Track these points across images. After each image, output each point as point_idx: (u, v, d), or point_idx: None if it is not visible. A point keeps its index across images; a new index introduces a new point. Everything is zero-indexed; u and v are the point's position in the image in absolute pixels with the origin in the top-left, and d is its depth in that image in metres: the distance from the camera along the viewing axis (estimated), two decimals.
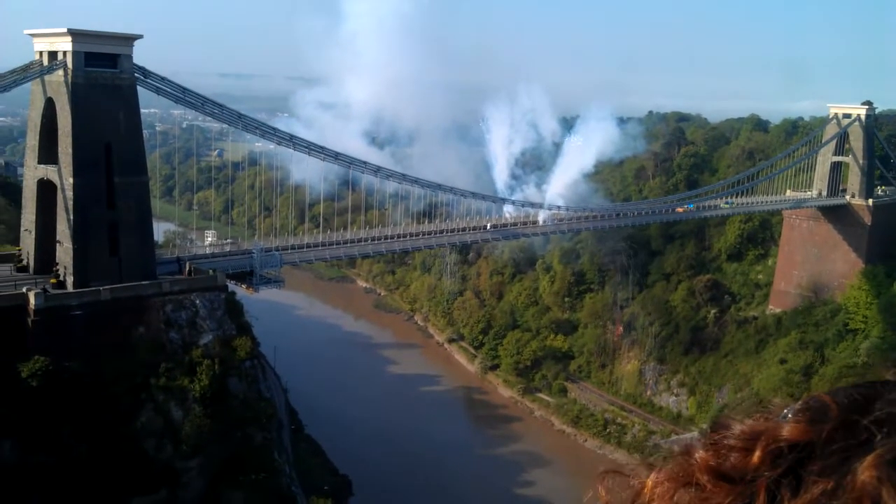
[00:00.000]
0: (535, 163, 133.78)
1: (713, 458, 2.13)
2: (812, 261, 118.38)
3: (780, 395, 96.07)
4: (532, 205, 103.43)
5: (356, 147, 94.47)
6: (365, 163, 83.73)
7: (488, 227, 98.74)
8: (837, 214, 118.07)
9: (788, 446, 2.02)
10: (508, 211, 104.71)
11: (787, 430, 2.06)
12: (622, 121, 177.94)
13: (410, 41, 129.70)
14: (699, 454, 2.14)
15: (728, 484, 2.04)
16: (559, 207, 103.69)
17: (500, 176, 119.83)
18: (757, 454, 2.04)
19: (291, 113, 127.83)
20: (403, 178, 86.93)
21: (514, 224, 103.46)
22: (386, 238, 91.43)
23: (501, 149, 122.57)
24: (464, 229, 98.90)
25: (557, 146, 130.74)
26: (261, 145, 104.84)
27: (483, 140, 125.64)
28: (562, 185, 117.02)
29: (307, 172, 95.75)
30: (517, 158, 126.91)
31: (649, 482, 2.20)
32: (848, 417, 2.02)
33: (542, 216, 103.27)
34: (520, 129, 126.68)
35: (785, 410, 2.15)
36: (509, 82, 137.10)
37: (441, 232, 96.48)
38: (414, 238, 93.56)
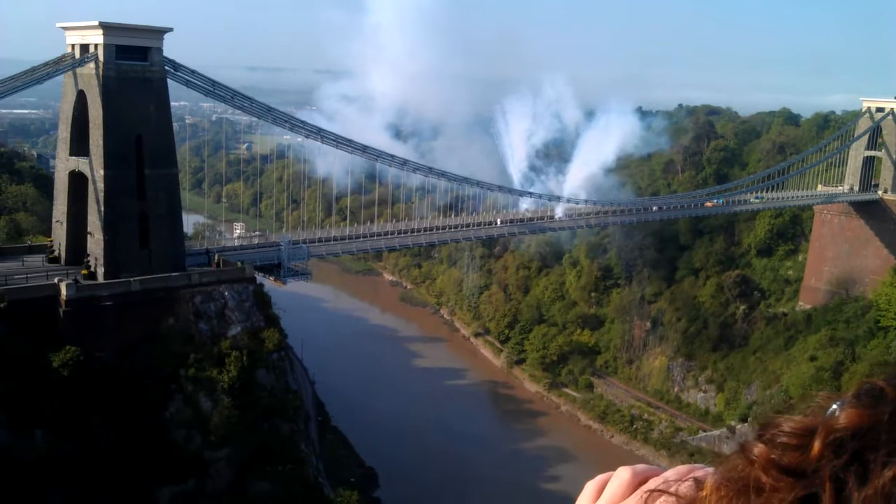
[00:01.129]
0: (559, 154, 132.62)
1: (772, 452, 2.03)
2: (843, 257, 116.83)
3: (809, 395, 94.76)
4: (557, 198, 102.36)
5: (379, 141, 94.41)
6: (392, 156, 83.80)
7: (499, 223, 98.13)
8: (869, 210, 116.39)
9: (850, 434, 1.94)
10: (525, 205, 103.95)
11: (844, 418, 1.98)
12: (651, 114, 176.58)
13: (433, 34, 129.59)
14: (757, 449, 2.03)
15: (791, 478, 1.94)
16: (585, 201, 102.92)
17: (518, 167, 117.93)
18: (817, 445, 1.95)
19: (316, 106, 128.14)
20: (430, 171, 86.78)
21: (530, 219, 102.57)
22: (412, 231, 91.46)
23: (520, 142, 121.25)
24: (490, 223, 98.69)
25: (581, 136, 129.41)
26: (289, 138, 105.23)
27: (505, 132, 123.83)
28: (580, 179, 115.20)
29: (333, 165, 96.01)
30: (538, 150, 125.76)
31: (707, 488, 2.08)
32: None
33: (559, 211, 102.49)
34: (542, 121, 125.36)
35: (834, 406, 2.06)
36: (533, 75, 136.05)
37: (467, 226, 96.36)
38: (440, 232, 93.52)
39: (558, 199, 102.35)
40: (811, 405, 2.13)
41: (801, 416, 2.08)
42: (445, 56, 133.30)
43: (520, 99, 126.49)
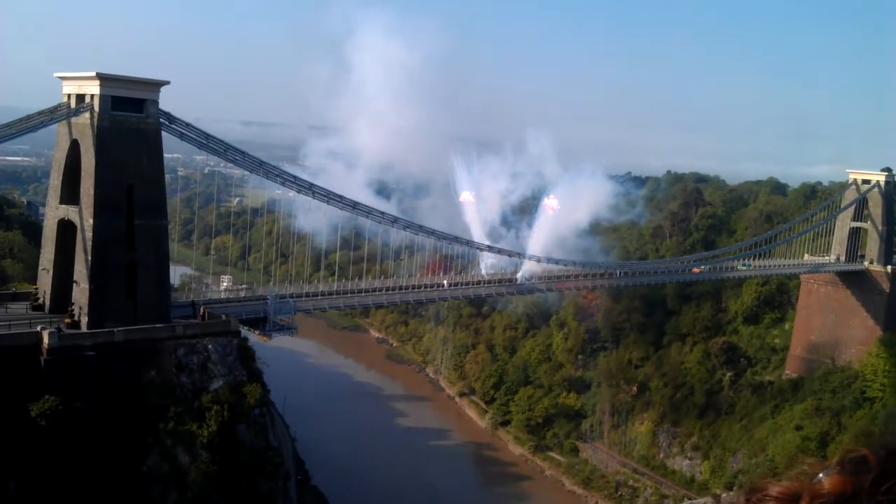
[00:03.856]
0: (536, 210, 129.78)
1: None
2: (829, 326, 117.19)
3: (797, 462, 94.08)
4: (551, 260, 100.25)
5: (362, 198, 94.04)
6: (382, 213, 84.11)
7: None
8: (856, 280, 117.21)
9: (833, 500, 2.00)
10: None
11: (829, 484, 2.05)
12: (640, 180, 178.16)
13: (418, 93, 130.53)
14: None
15: None
16: (574, 263, 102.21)
17: (481, 223, 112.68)
18: None
19: (300, 162, 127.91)
20: (420, 229, 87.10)
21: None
22: (400, 289, 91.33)
23: (492, 199, 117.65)
24: (478, 282, 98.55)
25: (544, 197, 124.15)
26: (280, 192, 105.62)
27: (468, 190, 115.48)
28: (543, 242, 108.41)
29: (321, 221, 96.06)
30: (513, 207, 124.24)
31: None
32: (889, 465, 2.03)
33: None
34: (522, 178, 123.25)
35: (820, 474, 2.12)
36: (518, 136, 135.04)
37: (455, 284, 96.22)
38: (428, 290, 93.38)
39: (554, 261, 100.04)
40: (798, 471, 2.20)
41: (787, 482, 2.15)
42: (431, 115, 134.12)
43: (500, 158, 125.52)
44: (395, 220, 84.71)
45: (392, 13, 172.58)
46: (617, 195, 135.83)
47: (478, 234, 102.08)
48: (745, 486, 2.17)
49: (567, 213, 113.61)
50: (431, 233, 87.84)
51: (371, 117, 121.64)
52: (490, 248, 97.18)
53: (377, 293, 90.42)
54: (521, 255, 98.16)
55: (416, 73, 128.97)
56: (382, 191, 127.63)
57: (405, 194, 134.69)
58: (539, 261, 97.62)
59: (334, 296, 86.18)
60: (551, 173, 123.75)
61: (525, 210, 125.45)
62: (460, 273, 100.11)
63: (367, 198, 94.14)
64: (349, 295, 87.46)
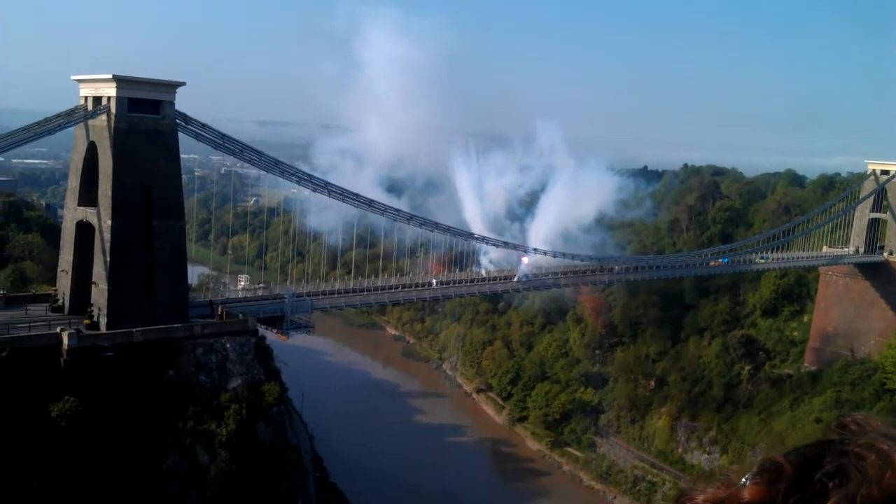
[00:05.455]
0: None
1: None
2: (849, 318, 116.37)
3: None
4: (567, 255, 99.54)
5: (374, 196, 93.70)
6: (398, 210, 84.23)
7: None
8: (875, 271, 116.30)
9: None
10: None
11: (747, 493, 2.24)
12: (657, 174, 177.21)
13: (428, 91, 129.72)
14: None
15: None
16: (590, 258, 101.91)
17: (478, 218, 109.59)
18: None
19: (308, 161, 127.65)
20: (436, 226, 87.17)
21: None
22: (416, 286, 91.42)
23: (497, 194, 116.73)
24: (494, 279, 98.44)
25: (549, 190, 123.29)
26: (296, 191, 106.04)
27: (468, 184, 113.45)
28: (544, 235, 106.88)
29: (336, 219, 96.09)
30: (520, 200, 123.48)
31: None
32: (801, 474, 2.22)
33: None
34: (529, 172, 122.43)
35: (744, 478, 2.31)
36: (528, 130, 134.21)
37: (471, 281, 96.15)
38: (444, 287, 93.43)
39: (568, 256, 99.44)
40: (726, 476, 2.43)
41: (713, 489, 2.34)
42: (441, 111, 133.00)
43: (509, 152, 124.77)
44: (410, 218, 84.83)
45: (399, 11, 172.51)
46: (624, 190, 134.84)
47: (478, 230, 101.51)
48: (676, 493, 2.50)
49: (570, 206, 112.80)
50: (447, 230, 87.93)
51: (380, 115, 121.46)
52: (506, 245, 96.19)
53: (393, 290, 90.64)
54: (533, 250, 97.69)
55: (424, 69, 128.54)
56: (393, 188, 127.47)
57: (416, 191, 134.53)
58: (554, 256, 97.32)
59: (350, 294, 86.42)
60: (561, 165, 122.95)
61: (534, 203, 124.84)
62: (475, 269, 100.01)
63: (378, 195, 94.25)
64: (365, 293, 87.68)
